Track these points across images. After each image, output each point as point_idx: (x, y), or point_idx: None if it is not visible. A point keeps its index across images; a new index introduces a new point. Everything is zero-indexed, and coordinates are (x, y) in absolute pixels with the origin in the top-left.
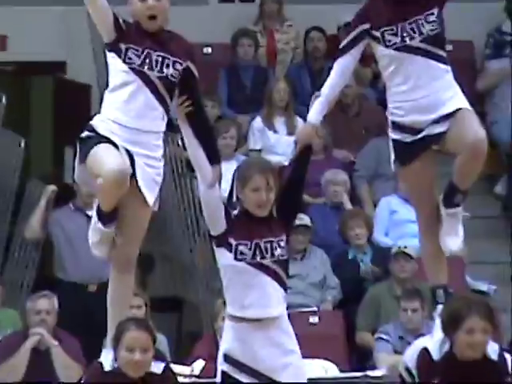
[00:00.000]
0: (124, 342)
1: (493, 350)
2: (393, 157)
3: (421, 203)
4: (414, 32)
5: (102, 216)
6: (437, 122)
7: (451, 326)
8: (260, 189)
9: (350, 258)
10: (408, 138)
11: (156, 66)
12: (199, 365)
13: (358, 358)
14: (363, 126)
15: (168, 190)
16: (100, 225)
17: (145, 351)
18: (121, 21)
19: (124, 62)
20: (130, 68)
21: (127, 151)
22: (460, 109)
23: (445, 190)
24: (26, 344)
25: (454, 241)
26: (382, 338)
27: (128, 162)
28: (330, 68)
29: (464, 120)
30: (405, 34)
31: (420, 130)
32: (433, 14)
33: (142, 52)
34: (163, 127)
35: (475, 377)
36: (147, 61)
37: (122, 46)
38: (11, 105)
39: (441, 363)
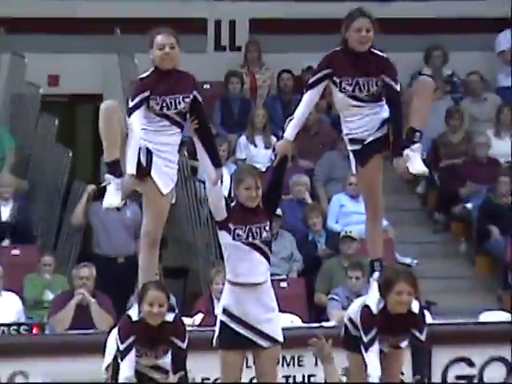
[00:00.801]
0: (146, 299)
1: (415, 306)
2: (353, 162)
3: (369, 197)
4: (364, 88)
5: (109, 169)
6: (378, 129)
7: (385, 289)
8: (251, 187)
9: (309, 239)
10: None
11: (171, 106)
12: (199, 317)
13: (316, 313)
14: (320, 143)
15: (177, 188)
16: (111, 176)
17: (161, 306)
18: (141, 81)
19: (148, 108)
20: (153, 113)
21: (148, 151)
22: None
23: (406, 136)
24: (72, 301)
25: (420, 166)
26: (334, 298)
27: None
28: (298, 100)
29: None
30: (356, 87)
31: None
32: (378, 80)
33: (159, 99)
34: (179, 141)
35: (403, 325)
36: (164, 104)
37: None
38: (61, 125)
39: (378, 316)
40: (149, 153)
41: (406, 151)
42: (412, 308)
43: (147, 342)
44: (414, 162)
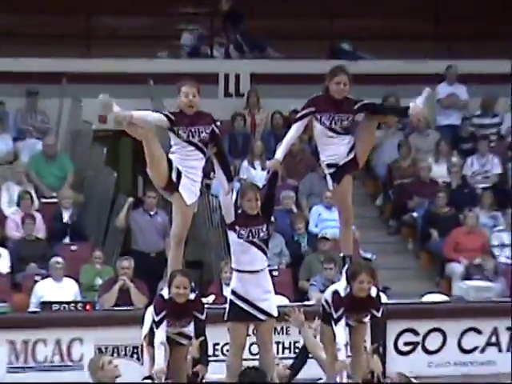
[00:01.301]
0: (174, 283)
1: (374, 291)
2: (330, 181)
3: (342, 208)
4: (338, 122)
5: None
6: (347, 155)
7: (351, 278)
8: (251, 199)
9: (295, 239)
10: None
11: (196, 135)
12: (211, 298)
13: (300, 295)
14: (303, 167)
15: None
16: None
17: (185, 288)
18: (170, 116)
19: (176, 135)
20: (181, 138)
21: (178, 172)
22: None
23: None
24: (116, 285)
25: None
26: (313, 284)
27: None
28: (286, 131)
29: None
30: (333, 121)
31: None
32: (349, 117)
33: (186, 129)
34: (202, 165)
35: (364, 306)
36: (190, 134)
37: (175, 129)
38: (108, 153)
39: (345, 299)
40: (179, 173)
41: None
42: (371, 293)
43: (175, 316)
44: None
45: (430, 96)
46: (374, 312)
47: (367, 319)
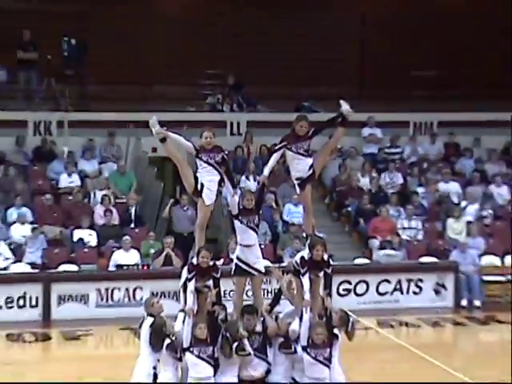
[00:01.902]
0: (200, 255)
1: (325, 256)
2: (298, 189)
3: (305, 205)
4: (301, 148)
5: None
6: (308, 171)
7: (311, 248)
8: (249, 199)
9: (274, 225)
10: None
11: (212, 159)
12: (220, 261)
13: (277, 259)
14: (280, 179)
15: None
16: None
17: (207, 258)
18: (196, 147)
19: (200, 160)
20: (203, 161)
21: (202, 184)
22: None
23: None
24: (163, 253)
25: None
26: (286, 253)
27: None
28: (269, 158)
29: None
30: (299, 148)
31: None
32: (308, 142)
33: (207, 155)
34: (217, 179)
35: (320, 266)
36: (208, 158)
37: (199, 155)
38: (158, 171)
39: (308, 261)
40: (202, 185)
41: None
42: (324, 258)
43: (200, 275)
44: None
45: (344, 103)
46: (326, 269)
47: (321, 274)
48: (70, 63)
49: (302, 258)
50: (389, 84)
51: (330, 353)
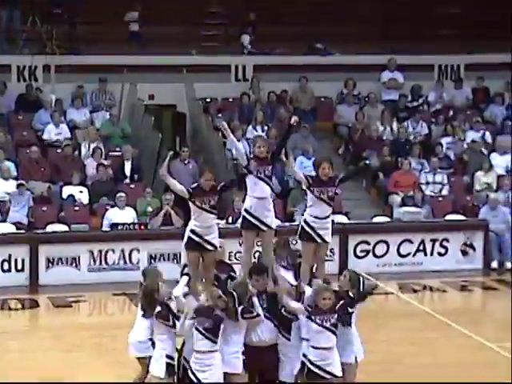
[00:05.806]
0: (203, 177)
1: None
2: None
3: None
4: (326, 193)
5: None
6: None
7: (317, 166)
8: (261, 146)
9: (285, 179)
10: None
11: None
12: (223, 221)
13: (289, 218)
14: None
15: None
16: None
17: (211, 180)
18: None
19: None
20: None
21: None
22: None
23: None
24: (161, 211)
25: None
26: (297, 210)
27: None
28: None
29: None
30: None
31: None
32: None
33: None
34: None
35: (328, 183)
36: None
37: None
38: (155, 121)
39: (315, 178)
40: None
41: None
42: (330, 174)
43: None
44: None
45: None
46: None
47: (328, 238)
48: (57, 0)
49: (309, 176)
50: (412, 21)
51: (337, 318)
